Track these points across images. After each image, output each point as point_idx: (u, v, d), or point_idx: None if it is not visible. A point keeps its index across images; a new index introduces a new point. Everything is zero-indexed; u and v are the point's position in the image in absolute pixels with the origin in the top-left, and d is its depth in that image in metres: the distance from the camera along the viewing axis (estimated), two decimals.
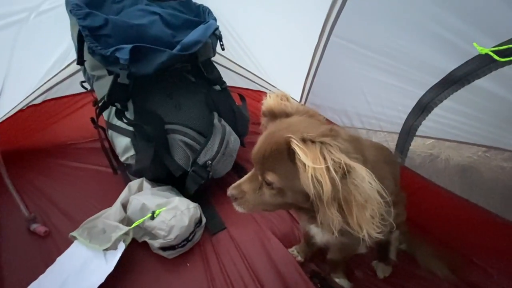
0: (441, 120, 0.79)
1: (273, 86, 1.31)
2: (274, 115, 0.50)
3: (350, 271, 0.73)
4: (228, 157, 0.93)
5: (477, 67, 0.53)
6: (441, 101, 0.65)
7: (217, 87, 1.06)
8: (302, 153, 0.37)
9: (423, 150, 1.27)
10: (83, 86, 1.06)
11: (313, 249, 0.76)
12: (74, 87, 1.16)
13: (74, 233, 0.76)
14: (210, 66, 1.02)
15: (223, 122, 0.96)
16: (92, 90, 1.02)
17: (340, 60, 0.98)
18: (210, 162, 0.87)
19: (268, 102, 0.51)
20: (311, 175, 0.36)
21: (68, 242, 0.76)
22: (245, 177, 0.51)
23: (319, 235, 0.58)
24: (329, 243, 0.60)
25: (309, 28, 0.97)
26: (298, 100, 1.36)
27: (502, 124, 0.74)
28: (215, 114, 0.97)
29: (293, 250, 0.77)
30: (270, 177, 0.44)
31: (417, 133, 0.84)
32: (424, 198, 0.82)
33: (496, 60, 0.47)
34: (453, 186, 0.91)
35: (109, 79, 0.84)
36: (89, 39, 0.76)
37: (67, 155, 1.18)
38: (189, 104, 0.96)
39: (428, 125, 0.82)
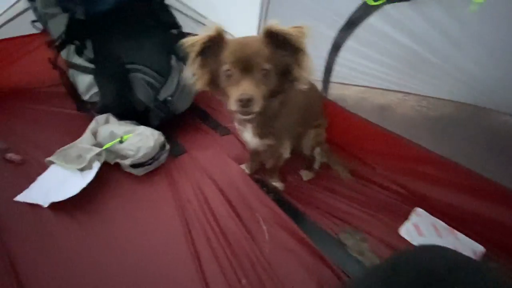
0: (351, 65, 0.98)
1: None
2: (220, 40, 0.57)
3: (283, 176, 0.96)
4: (186, 94, 1.06)
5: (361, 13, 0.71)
6: (344, 41, 0.84)
7: (174, 31, 1.13)
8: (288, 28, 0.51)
9: (357, 94, 1.51)
10: (34, 26, 1.06)
11: (257, 165, 0.98)
12: (23, 27, 1.13)
13: (50, 158, 0.86)
14: (166, 10, 1.08)
15: (180, 63, 1.06)
16: (44, 30, 1.03)
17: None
18: (170, 98, 1.00)
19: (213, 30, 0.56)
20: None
21: (45, 168, 0.87)
22: (242, 85, 0.53)
23: (251, 140, 0.77)
24: (259, 147, 0.79)
25: None
26: None
27: (406, 69, 0.95)
28: (173, 56, 1.06)
29: (243, 166, 0.98)
30: (267, 65, 0.53)
31: (340, 81, 1.04)
32: (344, 124, 1.06)
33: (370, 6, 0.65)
34: (371, 119, 1.16)
35: (64, 17, 0.88)
36: None
37: (30, 98, 1.21)
38: (148, 46, 1.03)
39: (343, 71, 1.01)
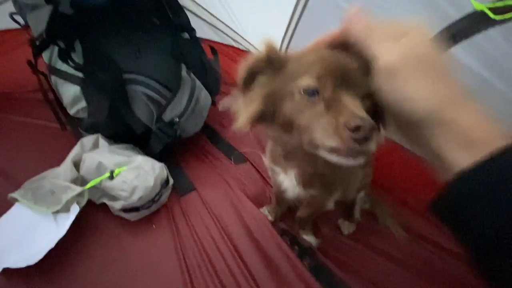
0: None
1: (248, 42, 1.20)
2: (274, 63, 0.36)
3: (317, 228, 0.76)
4: (198, 115, 0.85)
5: (468, 25, 0.51)
6: None
7: (186, 35, 0.93)
8: None
9: None
10: (14, 20, 0.85)
11: (283, 209, 0.77)
12: (2, 21, 0.93)
13: (14, 194, 0.65)
14: (177, 8, 0.88)
15: (192, 75, 0.86)
16: (26, 25, 0.82)
17: (323, 17, 0.91)
18: (177, 119, 0.79)
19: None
20: None
21: (7, 205, 0.66)
22: (348, 106, 0.32)
23: (291, 189, 0.56)
24: (300, 197, 0.59)
25: None
26: None
27: None
28: (183, 66, 0.86)
29: (264, 210, 0.77)
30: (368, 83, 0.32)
31: None
32: (389, 160, 0.86)
33: (490, 18, 0.45)
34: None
35: (47, 9, 0.67)
36: None
37: (3, 106, 0.99)
38: (153, 51, 0.83)
39: None
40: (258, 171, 0.91)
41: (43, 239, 0.59)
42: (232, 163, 0.94)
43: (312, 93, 0.32)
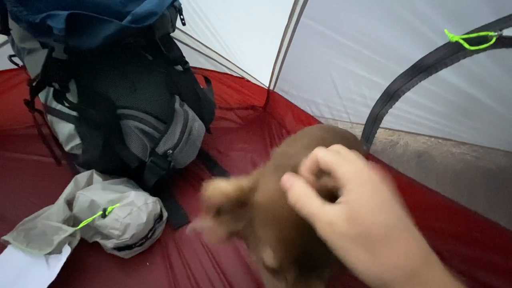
0: (398, 113, 0.82)
1: (240, 69, 1.24)
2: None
3: None
4: (191, 146, 0.86)
5: (445, 55, 0.52)
6: (409, 89, 0.65)
7: (179, 68, 0.96)
8: None
9: (384, 136, 1.33)
10: (12, 61, 0.88)
11: None
12: (2, 62, 0.96)
13: (7, 237, 0.64)
14: (170, 43, 0.91)
15: (185, 106, 0.87)
16: (24, 66, 0.85)
17: (310, 44, 0.94)
18: (171, 152, 0.80)
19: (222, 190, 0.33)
20: None
21: (0, 248, 0.65)
22: None
23: None
24: None
25: (279, 7, 0.91)
26: (267, 85, 1.31)
27: (455, 116, 0.79)
28: (177, 98, 0.88)
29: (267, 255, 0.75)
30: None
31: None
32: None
33: (465, 48, 0.46)
34: (411, 170, 0.97)
35: (43, 53, 0.70)
36: (11, 1, 0.61)
37: (2, 142, 1.00)
38: (146, 85, 0.85)
39: (386, 118, 0.84)
40: None
41: (34, 283, 0.58)
42: None
43: (274, 271, 0.30)
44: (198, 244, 0.73)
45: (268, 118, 1.34)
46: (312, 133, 0.64)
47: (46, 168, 0.93)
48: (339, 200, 0.25)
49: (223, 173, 1.00)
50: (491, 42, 0.43)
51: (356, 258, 0.23)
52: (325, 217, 0.24)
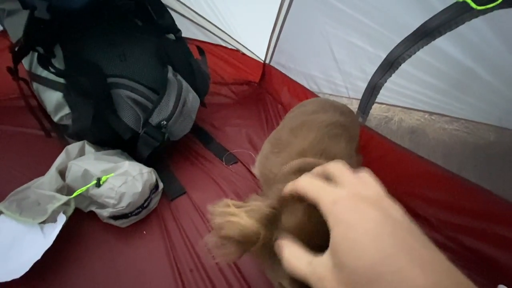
0: (394, 87, 0.81)
1: (235, 40, 1.19)
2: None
3: None
4: (186, 118, 0.84)
5: (451, 17, 0.51)
6: (410, 56, 0.64)
7: (171, 36, 0.91)
8: None
9: (378, 112, 1.34)
10: None
11: None
12: None
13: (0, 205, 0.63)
14: (161, 8, 0.86)
15: (179, 77, 0.84)
16: (4, 31, 0.80)
17: (309, 13, 0.91)
18: (165, 123, 0.78)
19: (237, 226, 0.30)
20: None
21: None
22: None
23: None
24: None
25: None
26: (263, 59, 1.27)
27: (450, 90, 0.79)
28: (169, 68, 0.84)
29: None
30: None
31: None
32: (378, 155, 0.86)
33: (472, 9, 0.45)
34: (404, 146, 0.99)
35: (24, 15, 0.65)
36: None
37: None
38: (137, 54, 0.81)
39: (382, 92, 0.84)
40: (249, 171, 0.91)
41: (29, 251, 0.57)
42: (224, 164, 0.93)
43: None
44: (195, 214, 0.73)
45: (264, 94, 1.32)
46: (307, 109, 0.63)
47: (35, 141, 0.90)
48: (330, 244, 0.21)
49: (219, 148, 0.99)
50: (499, 1, 0.41)
51: None
52: (314, 274, 0.21)
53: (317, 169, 0.30)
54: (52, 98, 0.74)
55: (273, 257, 0.30)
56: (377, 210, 0.20)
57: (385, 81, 0.72)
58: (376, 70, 0.73)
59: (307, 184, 0.27)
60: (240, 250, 0.33)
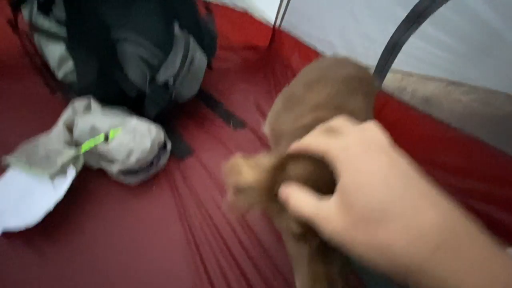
0: (412, 51, 0.77)
1: (243, 2, 1.12)
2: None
3: None
4: (193, 77, 0.81)
5: None
6: (438, 7, 0.59)
7: None
8: None
9: (391, 82, 1.29)
10: None
11: None
12: None
13: (8, 159, 0.63)
14: None
15: (186, 33, 0.80)
16: None
17: None
18: (172, 81, 0.75)
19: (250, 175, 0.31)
20: None
21: (0, 171, 0.64)
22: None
23: None
24: None
25: None
26: (272, 22, 1.20)
27: (472, 54, 0.74)
28: (176, 24, 0.80)
29: None
30: None
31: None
32: (394, 119, 0.83)
33: None
34: None
35: None
36: None
37: None
38: (142, 8, 0.76)
39: (398, 57, 0.79)
40: (258, 136, 0.89)
41: (41, 201, 0.58)
42: (231, 128, 0.92)
43: (299, 237, 0.30)
44: (204, 173, 0.73)
45: (273, 59, 1.26)
46: (323, 64, 0.60)
47: (40, 98, 0.88)
48: (337, 187, 0.22)
49: (226, 113, 0.97)
50: None
51: (361, 252, 0.19)
52: (321, 215, 0.22)
53: (320, 127, 0.29)
54: (55, 52, 0.70)
55: (280, 204, 0.31)
56: (385, 155, 0.21)
57: (407, 38, 0.67)
58: (399, 26, 0.68)
59: (312, 140, 0.27)
60: (250, 201, 0.34)
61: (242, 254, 0.57)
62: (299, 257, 0.31)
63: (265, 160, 0.32)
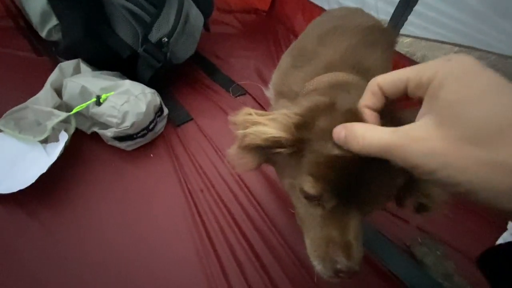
0: (427, 12, 0.70)
1: None
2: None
3: None
4: (189, 37, 0.75)
5: None
6: None
7: None
8: None
9: (400, 48, 1.22)
10: None
11: None
12: None
13: None
14: None
15: None
16: None
17: None
18: (166, 40, 0.69)
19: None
20: None
21: None
22: (345, 235, 0.28)
23: None
24: None
25: None
26: None
27: (488, 13, 0.69)
28: None
29: None
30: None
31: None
32: None
33: None
34: None
35: None
36: None
37: None
38: None
39: (411, 20, 0.73)
40: (259, 103, 0.85)
41: (34, 165, 0.56)
42: (231, 95, 0.88)
43: (313, 198, 0.28)
44: (203, 139, 0.70)
45: (274, 23, 1.18)
46: (337, 14, 0.54)
47: (26, 62, 0.83)
48: (418, 116, 0.21)
49: (225, 80, 0.92)
50: None
51: (473, 171, 0.17)
52: (405, 139, 0.20)
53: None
54: (36, 7, 0.64)
55: (295, 164, 0.29)
56: (490, 73, 0.19)
57: None
58: None
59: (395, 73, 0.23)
60: (261, 158, 0.32)
61: (242, 216, 0.57)
62: (310, 221, 0.30)
63: (282, 115, 0.29)
